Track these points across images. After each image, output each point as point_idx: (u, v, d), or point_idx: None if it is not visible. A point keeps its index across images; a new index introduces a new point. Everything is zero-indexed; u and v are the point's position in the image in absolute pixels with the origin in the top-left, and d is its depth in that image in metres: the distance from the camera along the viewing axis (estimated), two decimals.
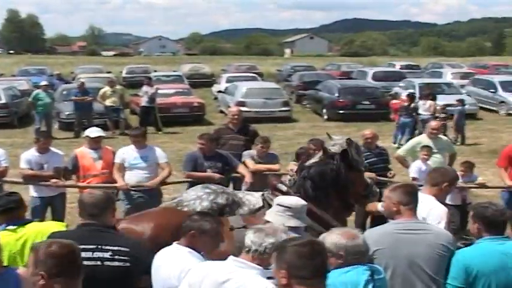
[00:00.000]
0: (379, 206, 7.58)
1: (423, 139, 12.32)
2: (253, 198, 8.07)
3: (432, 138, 12.12)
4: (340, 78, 40.99)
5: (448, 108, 24.54)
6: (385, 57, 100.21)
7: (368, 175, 8.99)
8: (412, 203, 5.59)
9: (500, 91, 34.42)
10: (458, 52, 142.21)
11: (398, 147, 16.39)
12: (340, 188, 7.63)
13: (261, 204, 7.74)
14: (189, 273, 4.76)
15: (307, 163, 7.82)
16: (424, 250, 5.33)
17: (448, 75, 44.25)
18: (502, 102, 33.62)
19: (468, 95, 32.94)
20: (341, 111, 29.95)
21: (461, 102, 25.12)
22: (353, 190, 7.77)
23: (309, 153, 9.61)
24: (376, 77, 40.66)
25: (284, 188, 7.53)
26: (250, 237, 4.60)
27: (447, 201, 7.59)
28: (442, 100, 26.15)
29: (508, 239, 5.48)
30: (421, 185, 9.19)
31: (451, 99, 26.94)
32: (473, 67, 59.60)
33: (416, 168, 11.26)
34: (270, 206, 6.77)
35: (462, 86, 36.81)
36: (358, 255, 4.80)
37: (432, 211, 6.41)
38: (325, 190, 7.53)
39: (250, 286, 4.39)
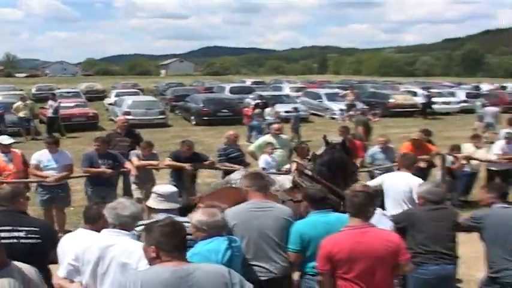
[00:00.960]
0: (368, 183, 8.33)
1: (268, 138, 12.50)
2: (281, 179, 8.12)
3: (275, 137, 12.29)
4: (204, 92, 41.27)
5: (286, 114, 25.33)
6: (238, 76, 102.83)
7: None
8: (258, 186, 5.72)
9: (325, 100, 35.93)
10: (294, 71, 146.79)
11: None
12: (344, 168, 7.95)
13: (286, 183, 7.77)
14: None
15: (318, 152, 8.20)
16: (271, 222, 5.50)
17: (286, 89, 45.75)
18: (327, 109, 35.05)
19: (302, 104, 33.83)
20: (205, 118, 30.68)
21: (296, 109, 26.03)
22: (349, 169, 8.13)
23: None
24: (232, 91, 41.76)
25: (309, 172, 7.69)
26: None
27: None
28: (282, 108, 26.96)
29: (330, 211, 5.70)
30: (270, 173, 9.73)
31: (288, 107, 27.65)
32: (305, 82, 61.94)
33: (264, 160, 11.45)
34: (302, 187, 7.10)
35: (297, 97, 37.78)
36: (218, 229, 4.95)
37: (414, 180, 7.74)
38: (334, 171, 7.81)
39: (131, 246, 4.59)
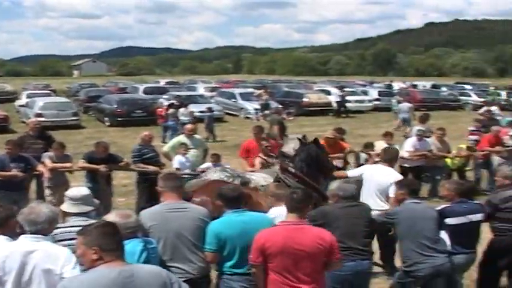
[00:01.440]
0: (349, 173, 9.02)
1: (182, 138, 12.40)
2: (255, 177, 8.58)
3: (188, 137, 12.18)
4: (117, 93, 40.50)
5: (200, 114, 25.39)
6: (152, 76, 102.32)
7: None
8: (171, 186, 5.67)
9: (239, 100, 36.07)
10: (208, 71, 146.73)
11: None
12: (320, 164, 8.47)
13: (261, 181, 8.26)
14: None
15: (284, 150, 9.00)
16: (187, 223, 5.48)
17: (201, 89, 45.51)
18: (241, 108, 35.17)
19: (216, 104, 33.79)
20: (119, 119, 30.13)
21: (210, 109, 26.00)
22: (326, 165, 8.71)
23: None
24: (146, 91, 41.04)
25: (293, 170, 8.24)
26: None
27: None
28: (196, 108, 26.84)
29: (246, 210, 5.70)
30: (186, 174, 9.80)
31: (202, 107, 27.53)
32: (219, 82, 61.94)
33: (178, 161, 11.37)
34: (287, 185, 7.61)
35: (212, 97, 37.73)
36: (131, 230, 4.91)
37: (393, 174, 8.03)
38: (312, 167, 8.33)
39: (53, 251, 4.48)
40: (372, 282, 6.82)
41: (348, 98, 37.97)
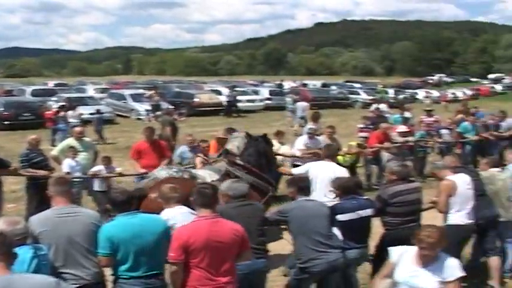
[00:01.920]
0: (293, 170, 9.61)
1: (71, 141, 12.15)
2: (201, 173, 9.05)
3: (78, 140, 11.99)
4: (4, 95, 38.91)
5: (89, 116, 25.07)
6: (40, 78, 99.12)
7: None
8: (61, 191, 5.56)
9: (130, 101, 35.62)
10: (98, 72, 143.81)
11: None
12: (268, 157, 9.60)
13: (207, 177, 8.66)
14: None
15: (228, 147, 9.77)
16: (79, 228, 5.36)
17: (90, 91, 44.40)
18: (132, 109, 34.79)
19: (107, 105, 33.25)
20: (6, 122, 28.97)
21: (99, 111, 25.58)
22: (272, 159, 9.92)
23: None
24: (34, 94, 39.62)
25: (241, 162, 9.11)
26: None
27: None
28: (85, 110, 26.43)
29: (137, 212, 5.66)
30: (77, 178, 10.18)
31: (92, 109, 27.03)
32: (109, 84, 60.77)
33: (67, 164, 11.13)
34: (236, 176, 8.53)
35: (102, 99, 36.99)
36: (19, 237, 4.77)
37: (339, 169, 8.63)
38: (261, 160, 9.39)
39: None
40: (269, 280, 6.88)
41: (239, 97, 38.37)
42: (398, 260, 5.30)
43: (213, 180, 8.39)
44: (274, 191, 9.96)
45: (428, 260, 5.12)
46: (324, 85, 60.90)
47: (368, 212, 6.90)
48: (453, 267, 5.16)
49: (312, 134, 13.62)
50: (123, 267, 5.38)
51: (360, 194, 7.22)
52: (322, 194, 7.99)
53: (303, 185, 6.93)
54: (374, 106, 24.01)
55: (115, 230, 5.40)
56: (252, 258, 5.99)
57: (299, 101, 31.05)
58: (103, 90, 45.05)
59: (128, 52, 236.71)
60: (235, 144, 9.97)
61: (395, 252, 5.41)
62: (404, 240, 6.96)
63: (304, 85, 58.14)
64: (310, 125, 15.10)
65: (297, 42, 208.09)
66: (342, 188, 7.03)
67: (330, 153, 9.27)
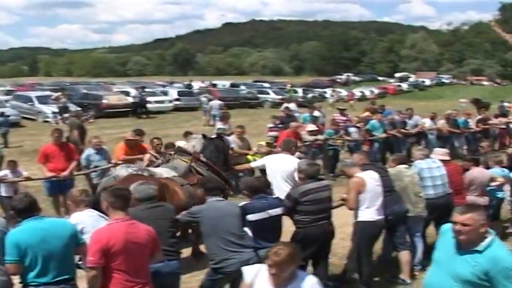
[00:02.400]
0: (252, 164, 10.67)
1: None
2: (158, 170, 9.31)
3: None
4: None
5: None
6: None
7: None
8: None
9: (36, 103, 34.45)
10: (2, 74, 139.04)
11: None
12: (224, 155, 10.34)
13: (164, 174, 9.04)
14: None
15: (186, 147, 10.35)
16: None
17: None
18: (39, 112, 33.68)
19: (12, 108, 32.02)
20: None
21: (3, 114, 24.55)
22: (228, 157, 10.69)
23: None
24: None
25: (204, 159, 9.78)
26: None
27: None
28: None
29: (44, 217, 5.55)
30: None
31: None
32: (14, 85, 58.52)
33: None
34: (198, 172, 9.45)
35: (7, 101, 35.60)
36: None
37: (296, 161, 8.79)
38: (218, 157, 10.10)
39: None
40: (183, 282, 6.86)
41: (148, 98, 37.97)
42: (252, 281, 4.98)
43: (174, 176, 9.07)
44: (229, 190, 10.30)
45: (279, 281, 4.75)
46: (233, 85, 61.10)
47: (278, 210, 6.95)
48: (311, 287, 4.85)
49: (222, 135, 13.63)
50: (32, 274, 5.21)
51: (269, 193, 7.26)
52: (281, 184, 8.49)
53: (211, 186, 6.99)
54: (284, 105, 24.36)
55: (22, 235, 5.23)
56: (165, 261, 5.98)
57: (213, 100, 31.72)
58: (8, 92, 43.49)
59: (34, 53, 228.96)
60: (191, 144, 10.46)
61: (249, 272, 5.08)
62: (315, 238, 7.20)
63: (214, 85, 58.26)
64: (219, 125, 15.15)
65: (205, 42, 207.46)
66: (251, 188, 7.06)
67: (287, 146, 9.80)
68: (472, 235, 4.50)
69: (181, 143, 13.13)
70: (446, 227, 4.87)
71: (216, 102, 30.89)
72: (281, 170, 8.90)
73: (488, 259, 4.44)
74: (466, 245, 4.56)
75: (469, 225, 4.48)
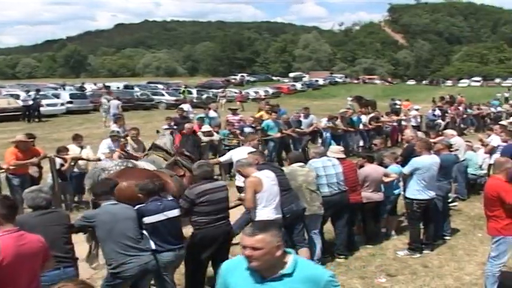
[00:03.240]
0: (221, 159, 12.59)
1: None
2: (140, 163, 9.94)
3: None
4: None
5: None
6: None
7: None
8: None
9: None
10: None
11: None
12: (199, 148, 12.53)
13: (145, 166, 9.61)
14: None
15: (157, 142, 11.47)
16: None
17: None
18: None
19: None
20: None
21: None
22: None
23: None
24: None
25: (187, 153, 11.22)
26: None
27: None
28: None
29: None
30: None
31: None
32: None
33: None
34: (183, 165, 10.53)
35: None
36: None
37: None
38: (196, 151, 12.05)
39: None
40: None
41: (40, 101, 36.60)
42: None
43: (161, 168, 9.83)
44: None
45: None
46: (127, 87, 60.26)
47: (175, 212, 6.94)
48: None
49: (116, 137, 13.40)
50: None
51: (164, 196, 7.20)
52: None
53: (104, 190, 6.80)
54: (180, 107, 24.25)
55: None
56: (61, 268, 5.84)
57: (112, 99, 31.55)
58: None
59: None
60: (163, 141, 11.51)
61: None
62: (214, 239, 7.23)
63: (107, 87, 57.10)
64: (113, 128, 14.90)
65: (97, 43, 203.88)
66: (146, 191, 7.00)
67: (250, 138, 11.81)
68: (267, 260, 3.74)
69: (72, 147, 12.85)
70: (227, 264, 4.16)
71: (114, 102, 30.80)
72: None
73: (304, 280, 3.77)
74: (266, 272, 3.79)
75: (261, 248, 3.72)
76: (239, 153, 10.44)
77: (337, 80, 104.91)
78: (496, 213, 7.54)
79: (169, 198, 7.25)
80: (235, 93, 57.46)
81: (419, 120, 26.13)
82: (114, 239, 6.33)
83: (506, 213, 7.46)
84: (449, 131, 14.65)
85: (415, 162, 9.69)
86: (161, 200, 6.95)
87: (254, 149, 10.36)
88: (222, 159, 12.36)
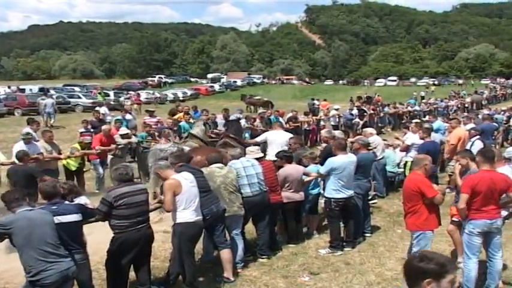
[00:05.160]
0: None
1: None
2: (186, 148, 12.25)
3: None
4: None
5: None
6: None
7: None
8: None
9: None
10: None
11: None
12: (241, 135, 15.37)
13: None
14: None
15: (193, 132, 14.68)
16: None
17: None
18: None
19: None
20: None
21: None
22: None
23: None
24: None
25: (233, 135, 14.62)
26: None
27: None
28: None
29: None
30: None
31: None
32: None
33: None
34: (231, 146, 12.86)
35: None
36: None
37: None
38: (239, 133, 15.15)
39: None
40: None
41: None
42: None
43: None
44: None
45: None
46: (42, 89, 58.53)
47: (71, 217, 6.72)
48: None
49: (28, 139, 12.93)
50: None
51: (65, 199, 7.10)
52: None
53: (16, 197, 6.50)
54: (97, 109, 23.80)
55: None
56: None
57: (46, 98, 32.58)
58: None
59: None
60: (196, 130, 14.72)
61: None
62: (135, 242, 7.17)
63: (21, 90, 55.38)
64: (26, 130, 14.39)
65: (11, 45, 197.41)
66: (45, 194, 6.86)
67: (278, 126, 15.12)
68: None
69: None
70: None
71: (49, 101, 31.55)
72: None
73: None
74: None
75: None
76: (274, 135, 13.87)
77: (255, 80, 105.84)
78: (415, 208, 7.76)
79: (74, 203, 7.11)
80: (153, 95, 57.02)
81: (337, 120, 26.57)
82: (33, 245, 6.09)
83: (426, 208, 7.69)
84: (368, 130, 14.88)
85: (330, 162, 9.82)
86: (58, 204, 6.77)
87: (289, 133, 13.91)
88: (258, 139, 14.37)
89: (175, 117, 19.81)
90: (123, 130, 16.07)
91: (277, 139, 13.59)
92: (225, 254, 8.41)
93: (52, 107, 31.21)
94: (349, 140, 12.96)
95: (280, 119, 21.82)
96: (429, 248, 7.71)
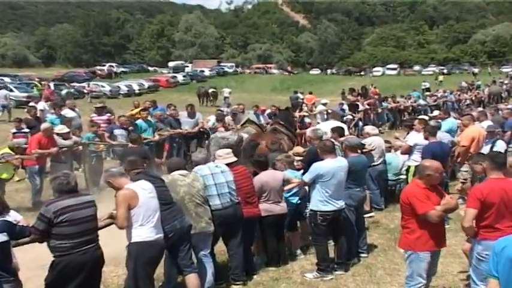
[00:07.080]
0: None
1: None
2: (244, 135, 16.65)
3: None
4: None
5: None
6: None
7: None
8: None
9: None
10: None
11: None
12: (290, 123, 18.54)
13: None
14: None
15: (249, 118, 19.32)
16: None
17: None
18: None
19: None
20: None
21: None
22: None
23: None
24: None
25: (282, 123, 17.81)
26: None
27: None
28: None
29: None
30: None
31: None
32: None
33: None
34: (281, 132, 17.08)
35: None
36: None
37: None
38: (288, 122, 18.12)
39: None
40: None
41: None
42: None
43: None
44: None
45: None
46: None
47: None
48: None
49: None
50: None
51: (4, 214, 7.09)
52: None
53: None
54: (32, 104, 23.67)
55: None
56: None
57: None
58: None
59: None
60: (249, 117, 19.48)
61: None
62: (80, 267, 7.06)
63: None
64: None
65: None
66: None
67: (333, 115, 18.50)
68: None
69: None
70: None
71: (2, 92, 34.78)
72: None
73: None
74: None
75: None
76: (326, 126, 15.19)
77: (226, 69, 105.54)
78: (408, 223, 7.65)
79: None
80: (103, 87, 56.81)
81: (325, 117, 26.52)
82: None
83: (419, 225, 7.52)
84: (369, 128, 14.83)
85: (316, 168, 9.74)
86: None
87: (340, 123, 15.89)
88: (309, 130, 14.53)
89: (130, 113, 19.73)
90: (61, 128, 15.84)
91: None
92: (191, 279, 8.39)
93: (5, 99, 34.09)
94: (340, 139, 12.74)
95: (261, 117, 21.84)
96: (424, 271, 7.61)
